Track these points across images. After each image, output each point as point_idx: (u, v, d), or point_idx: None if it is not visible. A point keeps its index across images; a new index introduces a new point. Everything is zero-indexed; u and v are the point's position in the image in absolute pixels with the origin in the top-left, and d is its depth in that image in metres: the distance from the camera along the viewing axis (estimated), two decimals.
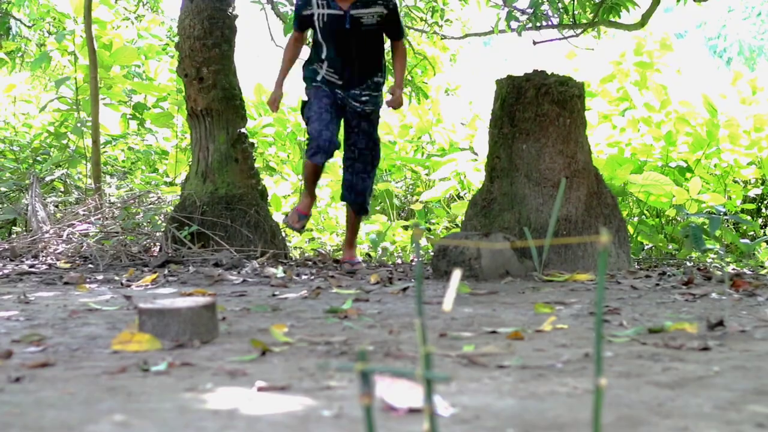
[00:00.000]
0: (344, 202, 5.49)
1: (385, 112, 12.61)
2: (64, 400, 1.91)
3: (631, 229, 7.76)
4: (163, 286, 4.65)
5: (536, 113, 5.55)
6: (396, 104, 5.06)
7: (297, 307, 3.70)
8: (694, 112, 10.00)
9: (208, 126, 6.73)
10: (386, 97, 5.21)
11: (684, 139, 9.50)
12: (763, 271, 6.65)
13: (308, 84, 4.98)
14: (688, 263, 7.20)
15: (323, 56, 4.86)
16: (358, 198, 5.28)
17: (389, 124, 11.52)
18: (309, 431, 1.66)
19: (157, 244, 6.69)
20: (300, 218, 5.46)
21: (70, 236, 6.87)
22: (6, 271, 5.51)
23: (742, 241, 8.32)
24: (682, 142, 9.46)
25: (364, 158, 5.12)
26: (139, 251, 6.58)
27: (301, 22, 5.26)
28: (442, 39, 11.96)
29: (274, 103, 5.28)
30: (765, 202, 10.14)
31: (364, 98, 4.95)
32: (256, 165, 7.15)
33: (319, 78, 4.88)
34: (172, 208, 7.09)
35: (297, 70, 5.44)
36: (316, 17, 5.05)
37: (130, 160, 10.50)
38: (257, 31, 12.23)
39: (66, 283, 4.80)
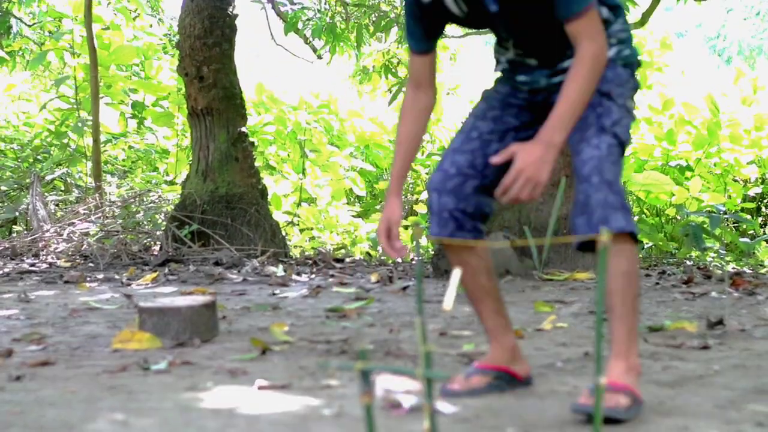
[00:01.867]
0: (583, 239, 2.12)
1: (385, 111, 12.58)
2: (64, 398, 1.92)
3: None
4: (163, 285, 4.65)
5: None
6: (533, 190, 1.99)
7: (297, 306, 3.70)
8: (697, 109, 9.98)
9: (208, 125, 6.73)
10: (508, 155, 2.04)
11: (685, 137, 9.50)
12: (763, 270, 6.65)
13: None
14: (688, 262, 7.20)
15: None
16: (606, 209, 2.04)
17: (386, 126, 11.51)
18: (309, 430, 1.66)
19: (158, 243, 6.69)
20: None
21: (71, 235, 6.87)
22: (6, 270, 5.51)
23: (741, 239, 8.32)
24: (683, 141, 9.46)
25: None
26: (140, 250, 6.58)
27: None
28: (443, 38, 11.94)
29: (387, 236, 2.11)
30: (765, 200, 10.13)
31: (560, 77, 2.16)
32: (257, 164, 7.15)
33: (503, 60, 2.26)
34: (173, 207, 7.09)
35: None
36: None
37: (130, 159, 10.48)
38: (257, 31, 12.23)
39: (66, 282, 4.80)
